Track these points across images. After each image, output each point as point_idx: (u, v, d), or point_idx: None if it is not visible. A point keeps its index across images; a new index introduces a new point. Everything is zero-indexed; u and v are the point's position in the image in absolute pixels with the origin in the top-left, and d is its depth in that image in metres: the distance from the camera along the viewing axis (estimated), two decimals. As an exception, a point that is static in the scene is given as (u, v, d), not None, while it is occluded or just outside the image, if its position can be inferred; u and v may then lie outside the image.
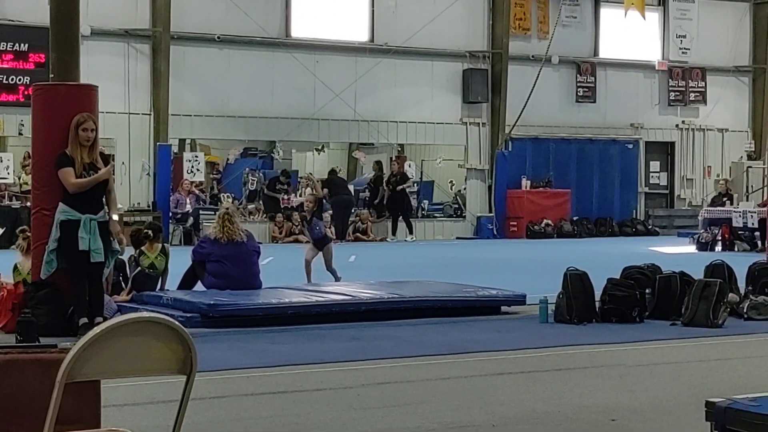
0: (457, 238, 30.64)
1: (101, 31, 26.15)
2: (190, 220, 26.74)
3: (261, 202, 29.62)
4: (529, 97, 29.79)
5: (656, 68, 33.86)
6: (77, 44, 12.26)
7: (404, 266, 20.34)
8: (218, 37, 27.75)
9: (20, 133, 25.35)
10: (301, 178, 30.76)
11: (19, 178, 26.04)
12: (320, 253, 15.99)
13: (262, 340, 11.15)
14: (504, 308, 13.62)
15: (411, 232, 29.52)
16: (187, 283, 13.70)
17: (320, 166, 33.32)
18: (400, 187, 29.61)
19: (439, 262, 21.90)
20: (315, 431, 7.15)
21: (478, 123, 31.25)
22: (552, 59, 31.34)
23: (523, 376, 9.27)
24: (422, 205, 31.58)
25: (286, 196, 29.21)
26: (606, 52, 33.03)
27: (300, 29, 28.79)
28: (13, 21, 25.57)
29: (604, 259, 20.04)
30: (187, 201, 27.02)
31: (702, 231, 26.52)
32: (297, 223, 26.79)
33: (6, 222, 23.99)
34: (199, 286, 13.59)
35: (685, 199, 34.72)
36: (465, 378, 9.20)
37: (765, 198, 29.49)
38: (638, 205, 33.84)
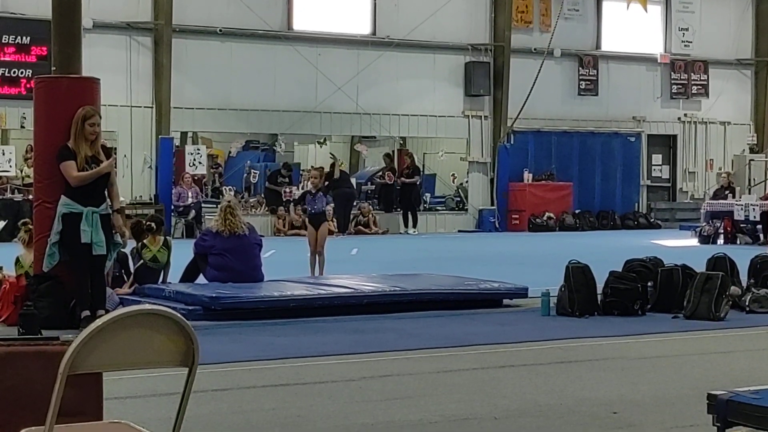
0: (459, 231, 30.63)
1: (103, 24, 26.13)
2: (192, 213, 26.75)
3: (263, 195, 29.61)
4: (531, 90, 29.76)
5: (658, 61, 33.83)
6: (79, 37, 12.26)
7: (406, 259, 20.34)
8: (220, 30, 27.74)
9: (22, 126, 25.34)
10: (303, 171, 30.74)
11: (21, 171, 26.04)
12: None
13: (264, 333, 11.16)
14: (506, 301, 13.63)
15: (414, 226, 29.55)
16: (189, 275, 13.70)
17: (322, 159, 33.29)
18: (410, 180, 29.65)
19: (441, 255, 21.90)
20: (317, 424, 7.16)
21: (480, 116, 31.23)
22: (554, 52, 31.31)
23: (525, 369, 9.28)
24: (424, 198, 31.58)
25: (287, 189, 29.19)
26: (608, 44, 33.01)
27: (302, 22, 28.78)
28: (15, 14, 25.56)
29: (606, 252, 20.04)
30: (189, 194, 27.02)
31: (704, 224, 26.51)
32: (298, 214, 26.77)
33: (8, 215, 23.99)
34: (201, 279, 13.60)
35: (687, 192, 34.70)
36: (467, 371, 9.21)
37: (767, 191, 29.47)
38: (640, 198, 33.83)
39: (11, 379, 4.96)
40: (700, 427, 6.69)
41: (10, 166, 25.37)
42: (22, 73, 25.29)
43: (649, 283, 13.03)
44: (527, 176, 31.30)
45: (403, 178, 29.77)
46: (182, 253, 14.25)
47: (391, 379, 8.79)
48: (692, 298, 12.45)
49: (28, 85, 24.02)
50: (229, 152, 31.91)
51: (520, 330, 11.63)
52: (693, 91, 34.44)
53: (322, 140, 33.50)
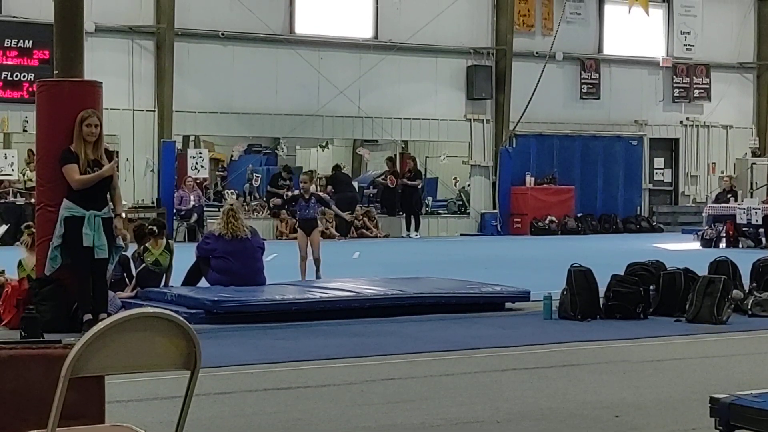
0: (461, 234, 30.63)
1: (105, 28, 26.16)
2: (194, 216, 26.76)
3: (264, 198, 29.58)
4: (533, 93, 29.76)
5: (660, 65, 33.83)
6: (81, 41, 12.26)
7: (408, 263, 20.33)
8: (222, 34, 27.76)
9: (24, 130, 25.35)
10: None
11: (24, 175, 26.06)
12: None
13: (266, 336, 11.16)
14: (508, 305, 13.63)
15: (417, 229, 29.55)
16: (191, 279, 13.71)
17: (324, 163, 33.32)
18: (412, 183, 29.67)
19: (443, 259, 21.90)
20: (319, 427, 7.15)
21: (482, 119, 31.24)
22: (556, 56, 31.31)
23: (527, 373, 9.27)
24: (426, 201, 31.58)
25: (289, 193, 29.16)
26: (610, 48, 33.02)
27: (304, 26, 28.79)
28: (17, 18, 25.57)
29: (608, 255, 20.03)
30: (191, 197, 27.03)
31: (706, 227, 26.50)
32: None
33: (10, 218, 23.98)
34: (203, 282, 13.60)
35: (689, 195, 34.69)
36: (469, 374, 9.20)
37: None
38: (642, 202, 33.82)
39: (13, 382, 4.96)
40: (702, 431, 6.68)
41: (13, 170, 25.37)
42: (24, 76, 25.30)
43: (651, 287, 13.03)
44: (529, 180, 31.29)
45: (404, 180, 29.77)
46: (184, 256, 14.26)
47: (393, 383, 8.79)
48: (694, 301, 12.44)
49: (30, 89, 24.00)
50: (231, 156, 31.92)
51: (522, 333, 11.63)
52: (695, 95, 34.43)
53: (324, 144, 33.51)
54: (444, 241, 28.48)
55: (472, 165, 31.49)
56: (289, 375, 9.05)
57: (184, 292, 12.77)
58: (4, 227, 16.52)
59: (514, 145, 31.32)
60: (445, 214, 31.87)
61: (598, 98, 32.85)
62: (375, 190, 31.33)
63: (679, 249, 24.31)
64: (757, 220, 25.22)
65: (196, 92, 27.55)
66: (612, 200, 32.90)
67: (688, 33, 34.13)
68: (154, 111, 27.10)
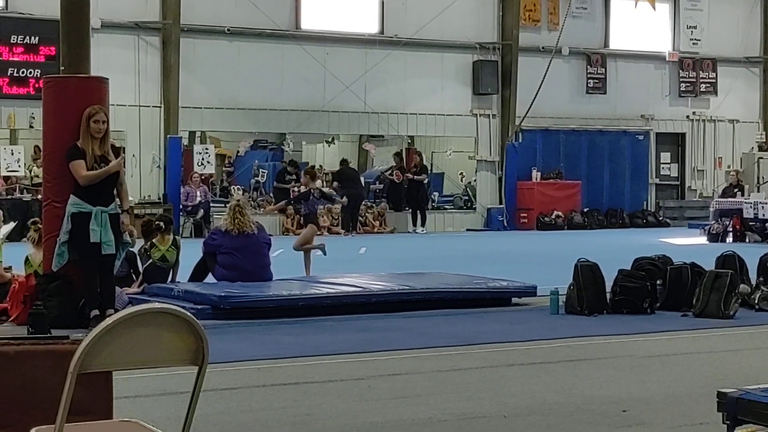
0: (468, 229, 30.62)
1: (111, 24, 26.17)
2: (201, 212, 26.77)
3: (271, 194, 29.60)
4: (539, 88, 29.74)
5: (667, 59, 33.79)
6: (88, 37, 12.26)
7: (415, 258, 20.33)
8: (228, 30, 27.76)
9: (31, 126, 25.39)
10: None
11: (30, 171, 26.10)
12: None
13: (272, 332, 11.17)
14: (515, 300, 13.62)
15: (423, 224, 29.55)
16: (198, 275, 13.71)
17: (330, 158, 33.32)
18: (418, 177, 29.66)
19: (450, 254, 21.90)
20: (326, 422, 7.16)
21: (488, 114, 31.22)
22: (562, 50, 31.29)
23: (534, 367, 9.27)
24: (432, 196, 31.58)
25: (296, 188, 29.18)
26: (616, 43, 32.97)
27: (310, 21, 28.79)
28: (23, 14, 25.60)
29: (615, 250, 20.02)
30: (198, 193, 27.05)
31: (713, 222, 26.47)
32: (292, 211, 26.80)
33: (17, 215, 23.97)
34: (210, 278, 13.61)
35: (695, 190, 34.66)
36: (476, 369, 9.21)
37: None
38: (649, 197, 33.79)
39: (21, 378, 4.98)
40: (710, 425, 6.68)
41: (19, 166, 25.42)
42: (30, 73, 25.32)
43: (658, 282, 13.01)
44: (535, 175, 31.28)
45: (409, 174, 29.76)
46: (191, 252, 14.27)
47: (400, 378, 8.79)
48: (701, 296, 12.43)
49: (36, 85, 24.06)
50: (238, 151, 31.93)
51: (529, 328, 11.63)
52: (701, 89, 34.38)
53: (330, 139, 33.50)
54: (450, 237, 28.47)
55: (478, 160, 31.48)
56: (295, 370, 9.05)
57: (191, 287, 12.78)
58: (12, 224, 16.51)
59: (520, 140, 31.29)
60: (451, 209, 31.87)
61: (605, 93, 32.81)
62: (381, 186, 31.32)
63: (685, 244, 24.29)
64: (763, 215, 25.18)
65: (202, 88, 27.56)
66: (618, 195, 32.87)
67: (695, 27, 34.08)
68: (160, 107, 27.12)
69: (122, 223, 11.31)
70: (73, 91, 11.43)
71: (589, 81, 32.61)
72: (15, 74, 25.38)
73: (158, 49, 27.14)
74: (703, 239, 25.94)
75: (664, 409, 7.55)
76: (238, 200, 14.48)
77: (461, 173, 33.35)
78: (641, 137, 33.48)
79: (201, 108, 27.70)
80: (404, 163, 30.61)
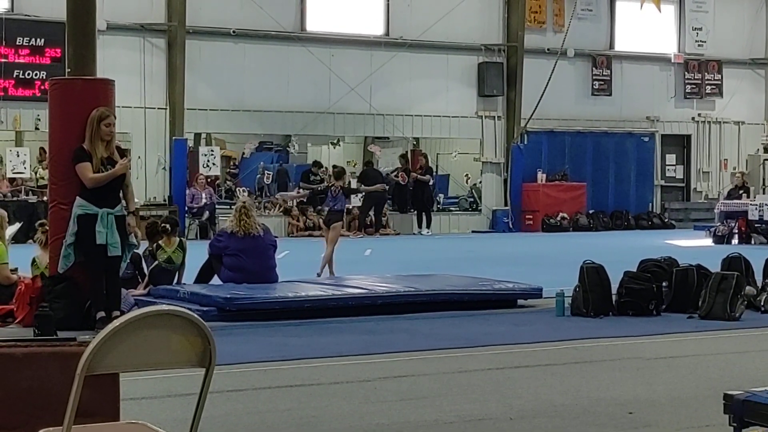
0: (473, 231, 30.61)
1: (117, 26, 26.19)
2: (206, 214, 26.79)
3: (276, 196, 29.52)
4: (544, 90, 29.73)
5: (672, 61, 33.78)
6: (94, 38, 12.28)
7: (420, 260, 20.33)
8: (233, 32, 27.78)
9: (37, 128, 25.42)
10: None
11: (36, 173, 26.12)
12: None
13: (278, 334, 11.17)
14: (520, 301, 13.62)
15: (428, 226, 29.56)
16: (203, 276, 13.72)
17: (335, 160, 33.29)
18: (423, 178, 29.65)
19: (455, 256, 21.89)
20: (332, 424, 7.16)
21: (494, 116, 31.22)
22: (567, 52, 31.27)
23: (540, 369, 9.27)
24: (438, 198, 31.58)
25: (322, 186, 29.27)
26: (622, 44, 32.96)
27: (315, 23, 28.80)
28: (29, 16, 25.62)
29: (621, 252, 20.00)
30: (203, 195, 27.07)
31: (718, 224, 26.44)
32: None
33: (23, 216, 24.04)
34: (215, 280, 13.62)
35: (701, 192, 34.63)
36: (482, 371, 9.20)
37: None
38: (654, 198, 33.77)
39: (29, 380, 4.98)
40: (716, 427, 6.67)
41: (25, 168, 25.44)
42: (36, 75, 25.35)
43: (664, 283, 13.00)
44: (541, 176, 31.27)
45: (415, 174, 29.75)
46: (197, 254, 14.27)
47: (406, 380, 8.79)
48: (707, 298, 12.42)
49: (42, 87, 24.07)
50: (243, 153, 31.95)
51: (534, 330, 11.62)
52: (707, 91, 34.37)
53: (335, 141, 33.52)
54: (455, 238, 28.47)
55: (483, 162, 31.47)
56: (301, 372, 9.06)
57: (197, 289, 12.78)
58: (17, 225, 16.54)
59: (525, 142, 31.29)
60: (456, 211, 31.86)
61: (610, 95, 32.80)
62: (386, 187, 31.29)
63: (691, 245, 24.27)
64: (769, 217, 25.18)
65: (208, 90, 27.58)
66: (624, 197, 32.85)
67: (700, 29, 34.07)
68: (165, 109, 27.13)
69: (128, 225, 11.32)
70: (79, 93, 11.44)
71: (594, 83, 32.60)
72: (21, 76, 25.42)
73: (164, 50, 27.16)
74: (708, 241, 25.91)
75: (670, 411, 7.54)
76: (244, 202, 14.48)
77: (466, 175, 33.34)
78: (646, 139, 33.47)
79: (206, 110, 27.72)
80: (410, 165, 30.61)
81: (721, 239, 25.67)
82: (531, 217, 30.83)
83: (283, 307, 12.24)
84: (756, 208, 25.49)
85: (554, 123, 31.80)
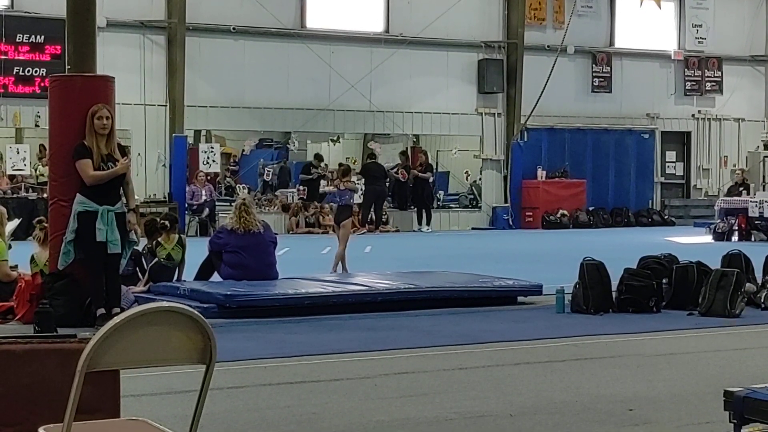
0: (473, 228, 30.62)
1: (117, 23, 26.18)
2: (206, 211, 26.80)
3: (299, 186, 29.45)
4: (544, 87, 29.72)
5: (672, 58, 33.77)
6: (94, 35, 12.28)
7: (420, 257, 20.33)
8: (233, 28, 27.77)
9: (36, 125, 25.41)
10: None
11: (36, 170, 26.12)
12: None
13: (278, 331, 11.17)
14: (520, 298, 13.62)
15: (428, 223, 29.56)
16: (203, 273, 13.72)
17: (336, 157, 33.31)
18: (423, 175, 29.65)
19: (455, 253, 21.89)
20: (332, 421, 7.16)
21: (494, 113, 31.21)
22: (567, 49, 31.26)
23: (541, 366, 9.27)
24: (438, 195, 31.57)
25: (323, 181, 29.33)
26: (622, 41, 32.96)
27: (315, 20, 28.80)
28: (29, 13, 25.62)
29: (621, 249, 20.01)
30: (203, 192, 27.07)
31: (718, 221, 26.45)
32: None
33: (22, 213, 24.01)
34: (215, 277, 13.62)
35: (701, 189, 34.63)
36: (482, 368, 9.21)
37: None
38: (654, 195, 33.78)
39: (29, 376, 4.98)
40: (716, 424, 6.67)
41: (25, 165, 25.43)
42: (36, 71, 25.35)
43: (664, 280, 13.00)
44: (541, 173, 31.27)
45: (415, 171, 29.75)
46: (196, 251, 14.27)
47: (406, 377, 8.79)
48: (707, 295, 12.42)
49: (42, 84, 24.09)
50: (243, 150, 31.94)
51: (534, 327, 11.63)
52: (707, 88, 34.36)
53: (335, 138, 33.50)
54: (455, 235, 28.47)
55: (483, 159, 31.48)
56: (302, 369, 9.06)
57: (197, 286, 12.78)
58: (16, 222, 16.54)
59: (525, 139, 31.30)
60: (456, 208, 31.86)
61: (610, 91, 32.80)
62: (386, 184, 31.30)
63: (691, 242, 24.27)
64: (769, 214, 25.18)
65: (208, 87, 27.58)
66: (624, 194, 32.86)
67: (700, 26, 34.05)
68: (165, 106, 27.13)
69: (129, 222, 11.32)
70: (79, 90, 11.44)
71: (594, 79, 32.60)
72: (21, 73, 25.41)
73: (164, 47, 27.16)
74: (708, 238, 25.92)
75: (670, 408, 7.54)
76: (244, 199, 14.48)
77: (466, 172, 33.34)
78: (646, 136, 33.47)
79: (206, 107, 27.72)
80: (410, 162, 30.60)
81: (721, 236, 25.67)
82: (531, 214, 30.84)
83: (283, 304, 12.25)
84: (756, 205, 25.50)
85: (554, 120, 31.80)
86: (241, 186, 29.66)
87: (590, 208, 31.78)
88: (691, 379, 8.68)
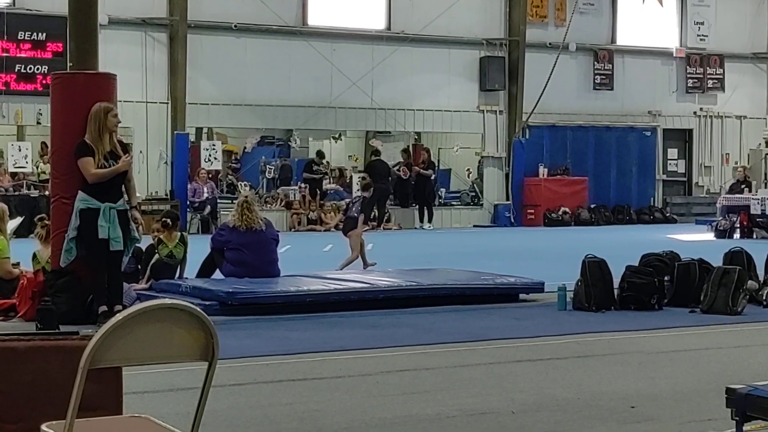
0: (475, 226, 30.61)
1: (118, 20, 26.18)
2: (208, 208, 26.80)
3: (302, 183, 29.44)
4: (546, 84, 29.69)
5: (674, 55, 33.74)
6: (95, 33, 12.27)
7: (422, 254, 20.33)
8: (235, 26, 27.76)
9: (38, 122, 25.40)
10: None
11: (37, 167, 26.12)
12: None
13: (280, 328, 11.18)
14: (522, 296, 13.63)
15: (430, 221, 29.55)
16: (205, 271, 13.73)
17: (337, 155, 33.32)
18: (425, 172, 29.62)
19: (457, 250, 21.89)
20: (334, 418, 7.16)
21: (495, 111, 31.20)
22: (569, 46, 31.23)
23: (542, 364, 9.27)
24: (439, 193, 31.56)
25: (326, 178, 29.36)
26: (623, 39, 32.93)
27: (316, 17, 28.78)
28: (30, 10, 25.61)
29: (622, 246, 20.00)
30: (205, 189, 27.07)
31: (720, 218, 26.44)
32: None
33: (24, 211, 24.01)
34: (217, 274, 13.63)
35: (703, 186, 34.61)
36: (484, 365, 9.21)
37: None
38: (656, 193, 33.76)
39: (32, 373, 4.99)
40: (718, 421, 6.68)
41: (27, 162, 25.43)
42: (38, 69, 25.33)
43: (666, 278, 13.00)
44: (542, 171, 31.26)
45: (417, 169, 29.73)
46: (198, 248, 14.27)
47: (408, 374, 8.79)
48: (709, 292, 12.43)
49: (44, 82, 24.08)
50: (245, 148, 31.93)
51: (536, 324, 11.63)
52: (709, 85, 34.34)
53: (337, 135, 33.51)
54: (457, 233, 28.47)
55: (485, 156, 31.46)
56: (304, 366, 9.06)
57: (199, 283, 12.80)
58: (18, 220, 16.54)
59: (527, 136, 31.28)
60: (458, 205, 31.84)
61: (612, 89, 32.78)
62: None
63: (693, 240, 24.26)
64: (771, 211, 25.17)
65: (209, 84, 27.57)
66: (625, 191, 32.84)
67: (702, 23, 34.03)
68: (167, 103, 27.13)
69: (135, 219, 11.35)
70: (81, 88, 11.44)
71: (596, 77, 32.57)
72: (22, 70, 25.40)
73: (165, 45, 27.15)
74: (710, 235, 25.91)
75: (672, 405, 7.55)
76: (246, 196, 14.50)
77: (468, 169, 33.33)
78: (648, 133, 33.45)
79: (208, 104, 27.71)
80: (412, 159, 30.58)
81: (722, 234, 25.66)
82: (533, 211, 30.82)
83: (285, 301, 12.26)
84: (758, 203, 25.49)
85: (556, 117, 31.78)
86: (242, 183, 29.65)
87: (592, 206, 31.76)
88: (692, 376, 8.68)
